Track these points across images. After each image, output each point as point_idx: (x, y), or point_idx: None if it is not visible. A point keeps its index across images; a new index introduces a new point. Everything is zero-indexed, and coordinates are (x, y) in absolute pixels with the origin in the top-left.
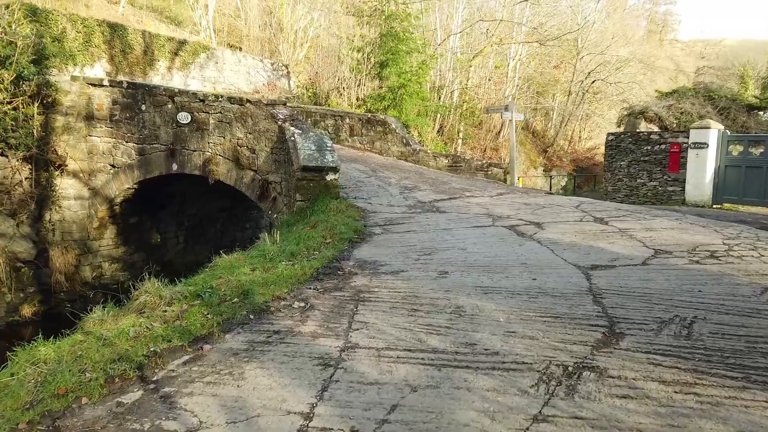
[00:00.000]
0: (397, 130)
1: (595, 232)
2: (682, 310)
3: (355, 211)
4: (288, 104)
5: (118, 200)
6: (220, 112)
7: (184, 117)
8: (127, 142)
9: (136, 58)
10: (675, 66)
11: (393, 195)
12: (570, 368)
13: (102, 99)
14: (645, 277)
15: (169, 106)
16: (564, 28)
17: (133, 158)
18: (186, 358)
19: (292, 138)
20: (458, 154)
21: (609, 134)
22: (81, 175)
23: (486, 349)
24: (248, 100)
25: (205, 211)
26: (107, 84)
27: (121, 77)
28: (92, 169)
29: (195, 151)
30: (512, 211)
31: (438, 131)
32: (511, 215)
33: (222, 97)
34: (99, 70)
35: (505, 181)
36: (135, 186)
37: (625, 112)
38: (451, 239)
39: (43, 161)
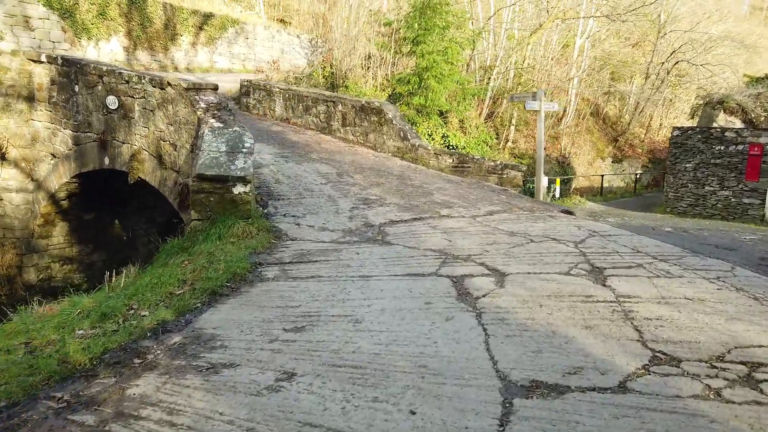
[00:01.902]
0: (393, 121)
1: (577, 299)
2: None
3: (265, 237)
4: (277, 86)
5: (62, 195)
6: (144, 97)
7: (112, 102)
8: (64, 128)
9: (156, 33)
10: None
11: (339, 212)
12: None
13: (42, 77)
14: (610, 428)
15: (99, 87)
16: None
17: (70, 148)
18: None
19: (202, 134)
20: (466, 153)
21: (674, 129)
22: (23, 164)
23: None
24: (169, 83)
25: None
26: (45, 60)
27: (139, 53)
28: (35, 158)
29: (124, 143)
30: (482, 246)
31: (487, 117)
32: (474, 254)
33: (144, 77)
34: (116, 44)
35: (521, 188)
36: (74, 180)
37: (701, 101)
38: (354, 300)
39: None
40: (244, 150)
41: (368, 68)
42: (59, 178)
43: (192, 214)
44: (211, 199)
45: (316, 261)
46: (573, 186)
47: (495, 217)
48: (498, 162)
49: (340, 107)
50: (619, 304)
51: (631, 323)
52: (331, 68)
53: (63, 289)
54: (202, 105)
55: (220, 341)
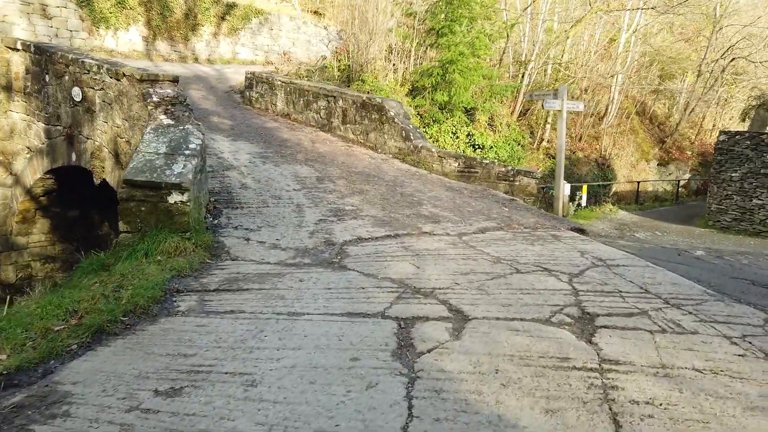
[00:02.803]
0: (396, 119)
1: (548, 363)
2: None
3: (200, 256)
4: (279, 79)
5: (39, 191)
6: (102, 89)
7: (76, 93)
8: (38, 121)
9: (177, 22)
10: None
11: (302, 226)
12: None
13: (18, 65)
14: None
15: (66, 77)
16: None
17: (43, 141)
18: None
19: (145, 132)
20: (474, 157)
21: (721, 133)
22: (1, 157)
23: None
24: (124, 74)
25: None
26: (20, 47)
27: (159, 43)
28: (13, 152)
29: (88, 138)
30: (454, 276)
31: (521, 115)
32: (440, 288)
33: (103, 66)
34: (135, 34)
35: (535, 197)
36: (49, 176)
37: (754, 102)
38: (265, 349)
39: None
40: (187, 152)
41: (389, 61)
42: (33, 173)
43: (120, 225)
44: (143, 208)
45: (247, 289)
46: (613, 190)
47: (486, 236)
48: (509, 167)
49: (340, 103)
50: (602, 374)
51: (610, 409)
52: (348, 60)
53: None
54: (155, 99)
55: (68, 405)
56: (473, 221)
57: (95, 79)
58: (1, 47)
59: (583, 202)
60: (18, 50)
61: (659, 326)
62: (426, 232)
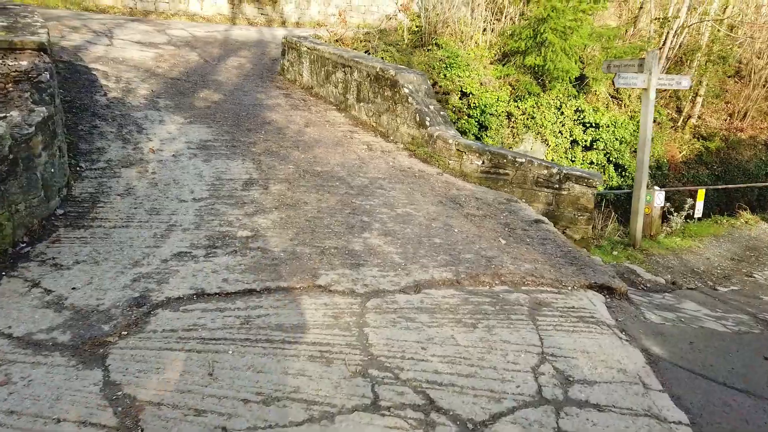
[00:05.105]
0: (410, 98)
1: None
2: None
3: None
4: (305, 45)
5: None
6: None
7: None
8: None
9: None
10: None
11: (140, 263)
12: None
13: None
14: None
15: None
16: None
17: None
18: None
19: None
20: (504, 152)
21: None
22: None
23: None
24: None
25: None
26: None
27: (245, 6)
28: None
29: None
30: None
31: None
32: None
33: None
34: None
35: (590, 217)
36: None
37: None
38: None
39: None
40: None
41: (473, 20)
42: None
43: None
44: None
45: None
46: None
47: (413, 299)
48: (555, 168)
49: (355, 75)
50: None
51: None
52: (420, 21)
53: None
54: None
55: None
56: (422, 265)
57: None
58: None
59: (698, 213)
60: None
61: None
62: (319, 286)
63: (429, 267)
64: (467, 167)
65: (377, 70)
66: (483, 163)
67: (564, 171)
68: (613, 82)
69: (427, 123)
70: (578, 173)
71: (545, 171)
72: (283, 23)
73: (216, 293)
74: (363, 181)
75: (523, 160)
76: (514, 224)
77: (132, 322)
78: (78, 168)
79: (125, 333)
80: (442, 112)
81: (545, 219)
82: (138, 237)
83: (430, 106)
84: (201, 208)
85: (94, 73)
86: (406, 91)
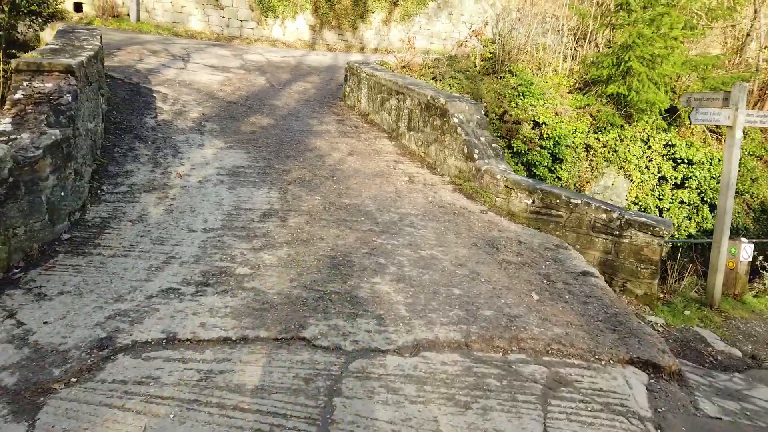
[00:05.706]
0: (458, 129)
1: None
2: None
3: None
4: (364, 71)
5: None
6: None
7: None
8: None
9: (345, 10)
10: None
11: (122, 299)
12: None
13: None
14: None
15: None
16: None
17: None
18: None
19: None
20: (558, 192)
21: None
22: None
23: None
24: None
25: None
26: None
27: (325, 32)
28: None
29: None
30: None
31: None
32: None
33: None
34: (302, 22)
35: (655, 270)
36: None
37: None
38: None
39: None
40: None
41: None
42: None
43: None
44: None
45: None
46: None
47: (409, 363)
48: (616, 213)
49: (407, 102)
50: None
51: None
52: (493, 45)
53: None
54: (17, 95)
55: None
56: (429, 321)
57: None
58: None
59: None
60: None
61: None
62: (303, 339)
63: (436, 324)
64: (515, 206)
65: (428, 98)
66: (533, 202)
67: (626, 216)
68: (689, 117)
69: (476, 155)
70: (642, 219)
71: (604, 215)
72: (362, 49)
73: (188, 339)
74: (392, 217)
75: (579, 201)
76: (555, 276)
77: (86, 368)
78: (99, 191)
79: (74, 380)
80: (494, 145)
81: (595, 271)
82: (133, 268)
83: (481, 138)
84: (207, 240)
85: (155, 95)
86: (456, 120)
